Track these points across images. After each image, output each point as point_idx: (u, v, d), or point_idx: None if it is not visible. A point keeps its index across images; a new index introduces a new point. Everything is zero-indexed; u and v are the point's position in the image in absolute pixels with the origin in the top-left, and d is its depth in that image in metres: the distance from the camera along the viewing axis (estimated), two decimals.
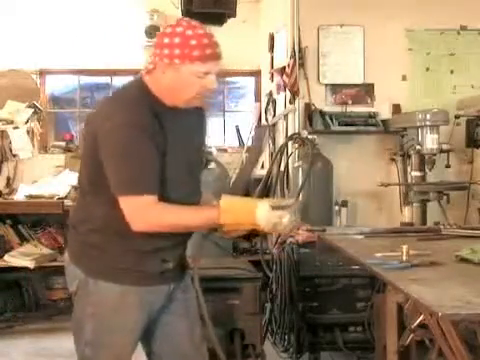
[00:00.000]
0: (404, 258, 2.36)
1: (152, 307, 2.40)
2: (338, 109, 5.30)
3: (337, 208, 5.09)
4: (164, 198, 2.25)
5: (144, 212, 2.22)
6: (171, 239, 2.35)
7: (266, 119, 6.13)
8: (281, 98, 5.63)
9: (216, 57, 2.25)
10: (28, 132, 6.29)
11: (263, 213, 2.24)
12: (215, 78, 2.28)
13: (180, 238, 2.40)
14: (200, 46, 2.20)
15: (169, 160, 2.28)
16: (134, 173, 2.21)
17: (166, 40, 2.24)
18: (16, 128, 6.23)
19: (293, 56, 5.18)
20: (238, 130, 6.75)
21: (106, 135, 2.22)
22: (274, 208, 2.27)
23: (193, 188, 2.42)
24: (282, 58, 5.53)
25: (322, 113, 5.21)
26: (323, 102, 5.30)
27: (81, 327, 2.39)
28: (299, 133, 5.13)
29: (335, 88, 5.32)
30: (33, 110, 6.36)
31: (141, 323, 2.39)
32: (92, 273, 2.34)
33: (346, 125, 5.20)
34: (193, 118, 2.42)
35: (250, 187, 5.95)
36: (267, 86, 6.18)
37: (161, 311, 2.45)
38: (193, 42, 2.20)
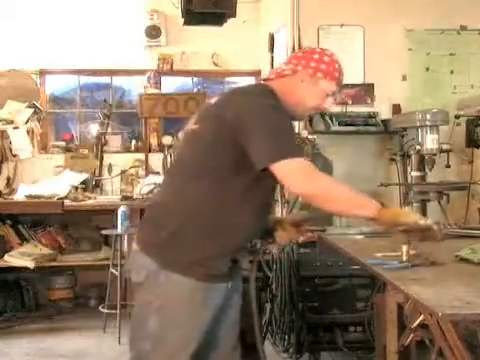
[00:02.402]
0: (404, 258, 2.36)
1: (215, 305, 2.42)
2: (338, 109, 5.30)
3: None
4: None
5: (311, 172, 2.29)
6: (250, 237, 2.48)
7: None
8: None
9: (341, 85, 2.58)
10: (28, 132, 6.30)
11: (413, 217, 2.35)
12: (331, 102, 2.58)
13: (251, 236, 2.50)
14: (339, 70, 2.55)
15: None
16: (292, 141, 2.37)
17: (316, 56, 2.53)
18: (16, 128, 6.23)
19: None
20: None
21: (254, 113, 2.31)
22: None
23: None
24: (282, 58, 5.53)
25: (322, 113, 5.21)
26: None
27: (144, 319, 2.38)
28: (299, 133, 5.13)
29: None
30: (33, 110, 6.36)
31: (206, 322, 2.40)
32: (165, 264, 2.33)
33: (346, 125, 5.20)
34: None
35: None
36: None
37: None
38: (336, 66, 2.54)
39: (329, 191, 2.28)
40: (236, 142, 2.29)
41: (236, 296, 2.57)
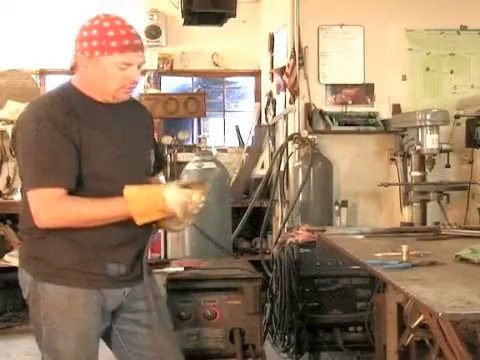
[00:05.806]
0: (404, 258, 2.36)
1: (105, 310, 2.33)
2: (338, 109, 5.30)
3: (337, 208, 5.09)
4: (86, 194, 2.20)
5: (48, 205, 2.16)
6: (115, 238, 2.28)
7: (266, 119, 6.13)
8: (281, 98, 5.63)
9: (135, 48, 2.23)
10: None
11: (171, 194, 2.21)
12: (137, 70, 2.27)
13: (129, 238, 2.30)
14: (117, 37, 2.20)
15: (97, 156, 2.23)
16: (41, 167, 2.16)
17: (85, 34, 2.25)
18: None
19: (293, 56, 5.18)
20: (238, 130, 6.75)
21: (19, 131, 2.23)
22: (182, 187, 2.25)
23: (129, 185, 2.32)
24: (282, 58, 5.53)
25: (322, 113, 5.22)
26: (323, 102, 5.30)
27: (39, 332, 2.33)
28: (299, 133, 5.13)
29: (335, 88, 5.32)
30: None
31: (95, 327, 2.32)
32: (38, 276, 2.28)
33: (346, 125, 5.20)
34: (134, 115, 2.41)
35: (250, 187, 5.95)
36: (267, 86, 6.18)
37: (125, 321, 2.40)
38: (110, 33, 2.20)
39: (73, 217, 2.19)
40: None
41: (146, 304, 2.39)
